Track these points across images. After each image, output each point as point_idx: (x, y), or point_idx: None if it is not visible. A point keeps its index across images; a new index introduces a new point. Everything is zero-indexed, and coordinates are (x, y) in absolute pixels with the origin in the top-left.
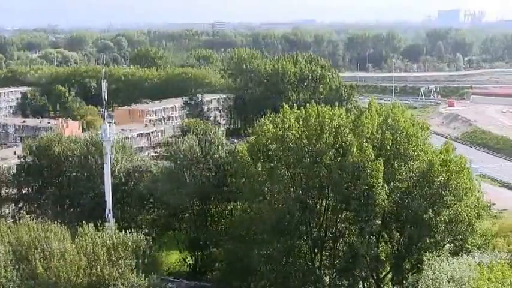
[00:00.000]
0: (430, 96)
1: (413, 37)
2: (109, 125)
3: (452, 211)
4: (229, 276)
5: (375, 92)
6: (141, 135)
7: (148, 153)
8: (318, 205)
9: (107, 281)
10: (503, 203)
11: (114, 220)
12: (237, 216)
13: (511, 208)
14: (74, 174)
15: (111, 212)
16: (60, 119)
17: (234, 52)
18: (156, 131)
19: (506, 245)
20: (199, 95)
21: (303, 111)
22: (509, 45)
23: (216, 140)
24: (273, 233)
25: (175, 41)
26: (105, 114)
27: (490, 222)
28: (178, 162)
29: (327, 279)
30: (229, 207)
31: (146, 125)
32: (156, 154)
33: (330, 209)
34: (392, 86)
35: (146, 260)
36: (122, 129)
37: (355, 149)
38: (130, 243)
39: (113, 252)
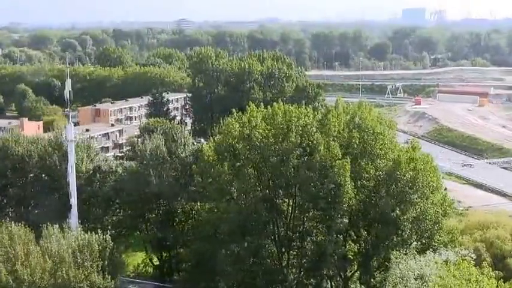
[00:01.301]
0: (396, 94)
1: (380, 35)
2: (73, 125)
3: (418, 209)
4: (196, 277)
5: (342, 91)
6: (105, 134)
7: (114, 153)
8: (285, 204)
9: (72, 284)
10: (469, 200)
11: (80, 221)
12: (203, 216)
13: (477, 205)
14: (37, 175)
15: (76, 213)
16: (19, 119)
17: (200, 51)
18: (120, 130)
19: (472, 242)
20: (164, 94)
21: (270, 110)
22: (474, 44)
23: (182, 139)
24: (239, 232)
25: (139, 40)
26: (70, 114)
27: (456, 220)
28: (144, 162)
29: (294, 278)
30: (195, 207)
31: (113, 125)
32: (121, 154)
33: (297, 208)
34: (359, 85)
35: (112, 262)
36: (87, 129)
37: (322, 148)
38: (96, 245)
39: (78, 254)
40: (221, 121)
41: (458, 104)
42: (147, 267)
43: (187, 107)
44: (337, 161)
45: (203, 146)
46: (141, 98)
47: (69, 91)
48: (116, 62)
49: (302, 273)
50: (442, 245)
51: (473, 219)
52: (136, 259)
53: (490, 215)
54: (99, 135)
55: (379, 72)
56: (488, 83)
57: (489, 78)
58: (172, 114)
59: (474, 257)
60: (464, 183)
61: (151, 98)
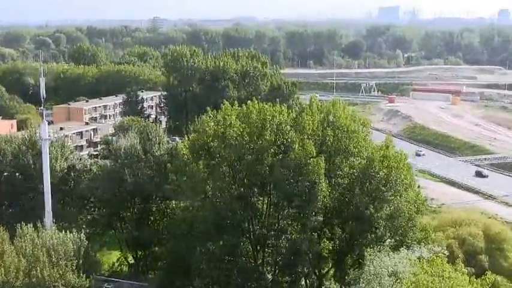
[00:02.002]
0: (370, 92)
1: (354, 34)
2: (47, 124)
3: (392, 206)
4: (171, 275)
5: (317, 89)
6: (79, 133)
7: (89, 152)
8: (260, 202)
9: (47, 283)
10: (442, 197)
11: (54, 220)
12: (178, 215)
13: (450, 203)
14: (11, 174)
15: (51, 212)
16: None
17: (175, 49)
18: (94, 129)
19: (445, 239)
20: (139, 93)
21: (245, 109)
22: (447, 42)
23: (157, 137)
24: (215, 231)
25: (113, 38)
26: (44, 112)
27: (429, 217)
28: (119, 160)
29: (269, 276)
30: (171, 206)
31: (87, 123)
32: (96, 152)
33: (272, 206)
34: (333, 83)
35: (87, 261)
36: (61, 128)
37: (296, 146)
38: (70, 244)
39: (53, 253)
40: (196, 119)
41: (432, 102)
42: (122, 265)
43: (162, 105)
44: (311, 159)
45: (178, 144)
46: (116, 96)
47: (44, 89)
48: (90, 60)
49: (277, 271)
50: (415, 242)
51: (446, 216)
52: (111, 258)
53: (462, 212)
54: (73, 133)
55: (354, 71)
56: (461, 81)
57: (462, 76)
58: (147, 112)
59: (447, 254)
60: (437, 181)
61: (126, 97)
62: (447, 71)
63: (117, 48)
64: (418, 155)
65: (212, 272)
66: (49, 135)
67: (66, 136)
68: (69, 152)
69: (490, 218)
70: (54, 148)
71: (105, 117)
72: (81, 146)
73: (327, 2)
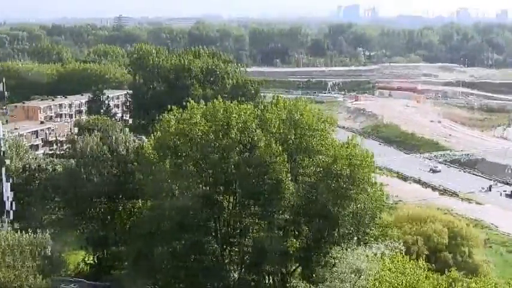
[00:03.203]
0: (335, 90)
1: (317, 32)
2: (1, 123)
3: (358, 204)
4: (135, 275)
5: (281, 87)
6: (35, 132)
7: (44, 151)
8: (225, 201)
9: (2, 285)
10: (401, 194)
11: (16, 221)
12: (144, 214)
13: (409, 199)
14: None
15: (10, 212)
16: None
17: (140, 47)
18: (52, 128)
19: (402, 235)
20: (104, 91)
21: (210, 107)
22: (407, 40)
23: (122, 136)
24: (180, 229)
25: (78, 36)
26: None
27: (387, 214)
28: (83, 160)
29: (235, 275)
30: (136, 205)
31: (42, 122)
32: (52, 152)
33: (237, 205)
34: (297, 81)
35: (50, 261)
36: (15, 128)
37: (262, 145)
38: (27, 244)
39: (9, 254)
40: (161, 118)
41: (396, 100)
42: (87, 265)
43: (127, 104)
44: (276, 158)
45: (143, 143)
46: (82, 95)
47: (3, 88)
48: (55, 58)
49: (243, 269)
50: (373, 239)
51: (403, 212)
52: (76, 258)
53: (419, 209)
54: (28, 132)
55: (318, 69)
56: (423, 79)
57: (423, 74)
58: (112, 111)
59: (404, 250)
60: (394, 177)
61: (91, 95)
62: (408, 69)
63: (82, 46)
64: (434, 171)
65: (177, 271)
66: (3, 135)
67: (21, 135)
68: (23, 151)
69: (449, 214)
70: (10, 147)
71: (60, 116)
72: (37, 145)
73: (289, 1)
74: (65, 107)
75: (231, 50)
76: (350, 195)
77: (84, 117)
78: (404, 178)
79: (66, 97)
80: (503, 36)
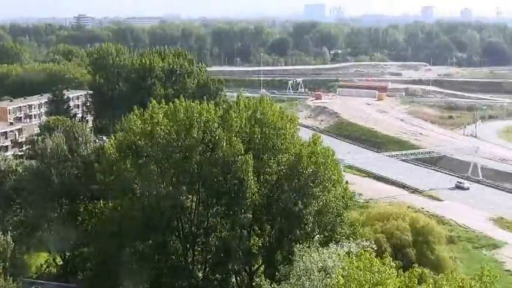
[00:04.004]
0: (297, 89)
1: (280, 31)
2: None
3: (321, 202)
4: (100, 276)
5: (243, 86)
6: (3, 133)
7: (14, 152)
8: (188, 200)
9: None
10: (370, 192)
11: None
12: (106, 215)
13: (377, 197)
14: None
15: None
16: None
17: (100, 47)
18: (19, 129)
19: (373, 233)
20: (64, 92)
21: (172, 107)
22: (372, 39)
23: (84, 137)
24: (144, 230)
25: (37, 36)
26: None
27: (357, 212)
28: (45, 161)
29: (200, 274)
30: (99, 206)
31: (11, 123)
32: (21, 153)
33: (201, 204)
34: (260, 80)
35: (13, 263)
36: None
37: (224, 144)
38: None
39: None
40: (123, 118)
41: (358, 99)
42: (51, 267)
43: (88, 104)
44: (239, 157)
45: (105, 143)
46: (41, 95)
47: None
48: (13, 58)
49: (208, 268)
50: (344, 237)
51: (373, 211)
52: (39, 259)
53: (389, 207)
54: None
55: (280, 68)
56: (387, 77)
57: (387, 73)
58: (73, 111)
59: (375, 248)
60: (364, 176)
61: (51, 96)
62: (373, 67)
63: (41, 46)
64: (460, 187)
65: (142, 271)
66: None
67: None
68: None
69: (416, 211)
70: None
71: (30, 116)
72: (6, 146)
73: (253, 1)
74: (34, 108)
75: (194, 50)
76: (313, 194)
77: (43, 118)
78: (376, 177)
79: (25, 98)
80: (467, 34)
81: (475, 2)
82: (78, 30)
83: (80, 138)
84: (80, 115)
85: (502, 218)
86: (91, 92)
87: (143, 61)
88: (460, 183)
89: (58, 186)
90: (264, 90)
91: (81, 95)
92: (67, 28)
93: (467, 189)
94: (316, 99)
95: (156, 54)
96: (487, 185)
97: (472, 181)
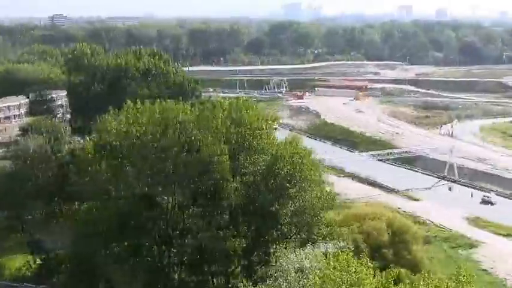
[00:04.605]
0: (276, 89)
1: (257, 31)
2: None
3: (297, 203)
4: (76, 278)
5: (220, 86)
6: None
7: None
8: (165, 201)
9: None
10: (346, 192)
11: None
12: (82, 216)
13: (354, 197)
14: None
15: None
16: None
17: (75, 47)
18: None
19: (350, 233)
20: (42, 92)
21: (147, 107)
22: (349, 39)
23: (61, 138)
24: (119, 231)
25: (11, 36)
26: None
27: (334, 213)
28: (21, 161)
29: (176, 276)
30: (74, 207)
31: None
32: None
33: (177, 205)
34: (237, 80)
35: None
36: None
37: (201, 144)
38: None
39: None
40: (99, 119)
41: (337, 98)
42: (26, 269)
43: (64, 105)
44: (216, 157)
45: (81, 144)
46: (17, 96)
47: None
48: None
49: (184, 270)
50: (321, 238)
51: (350, 211)
52: (14, 262)
53: (367, 207)
54: None
55: (258, 67)
56: (364, 77)
57: (365, 72)
58: (51, 112)
59: (352, 248)
60: (342, 176)
61: (31, 97)
62: (351, 67)
63: (15, 47)
64: (487, 202)
65: (117, 273)
66: None
67: None
68: None
69: (393, 211)
70: None
71: (8, 117)
72: None
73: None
74: (14, 109)
75: (170, 50)
76: (290, 194)
77: (23, 119)
78: (354, 177)
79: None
80: (443, 33)
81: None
82: (53, 30)
83: (58, 139)
84: (60, 115)
85: (478, 218)
86: (67, 92)
87: (119, 61)
88: (487, 197)
89: (34, 187)
90: (241, 90)
91: (57, 96)
92: (42, 28)
93: (495, 204)
94: (295, 99)
95: (131, 54)
96: (463, 184)
97: (448, 180)
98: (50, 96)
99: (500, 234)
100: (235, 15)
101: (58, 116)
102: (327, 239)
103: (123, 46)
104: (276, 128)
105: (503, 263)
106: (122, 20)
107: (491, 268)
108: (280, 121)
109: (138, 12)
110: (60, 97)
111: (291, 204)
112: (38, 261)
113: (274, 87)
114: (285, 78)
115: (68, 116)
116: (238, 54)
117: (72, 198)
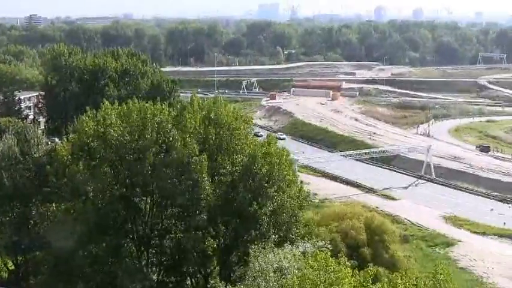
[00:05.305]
0: (252, 89)
1: (234, 31)
2: None
3: (275, 203)
4: (54, 280)
5: (198, 87)
6: None
7: None
8: (143, 202)
9: None
10: (324, 192)
11: None
12: (59, 218)
13: (332, 197)
14: None
15: None
16: None
17: (52, 47)
18: None
19: (328, 233)
20: (16, 93)
21: (125, 108)
22: (326, 39)
23: (36, 139)
24: (97, 232)
25: None
26: None
27: (312, 212)
28: None
29: (154, 277)
30: (51, 209)
31: None
32: None
33: (155, 206)
34: (214, 80)
35: None
36: None
37: (178, 145)
38: None
39: None
40: (76, 119)
41: (313, 98)
42: (2, 272)
43: (40, 105)
44: (194, 158)
45: (57, 145)
46: None
47: None
48: None
49: (162, 271)
50: (299, 237)
51: (328, 211)
52: None
53: (344, 206)
54: None
55: (234, 68)
56: (340, 77)
57: (341, 72)
58: (24, 113)
59: (330, 248)
60: (319, 176)
61: (1, 97)
62: (327, 67)
63: None
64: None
65: (96, 275)
66: None
67: None
68: None
69: (371, 211)
70: None
71: None
72: None
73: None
74: None
75: (148, 50)
76: (268, 194)
77: None
78: (331, 177)
79: None
80: (420, 34)
81: (426, 2)
82: (29, 30)
83: (32, 140)
84: (31, 116)
85: (455, 216)
86: (43, 93)
87: (96, 62)
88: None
89: (9, 189)
90: (217, 91)
91: (33, 96)
92: (18, 28)
93: None
94: (270, 99)
95: (109, 54)
96: (440, 184)
97: (425, 179)
98: (18, 98)
99: (476, 233)
100: (212, 16)
101: (30, 116)
102: (305, 238)
103: (100, 46)
104: (252, 129)
105: (480, 261)
106: (99, 21)
107: (469, 266)
108: (256, 121)
109: (115, 13)
110: (33, 98)
111: (269, 204)
112: (14, 263)
113: (249, 88)
114: (254, 79)
115: (42, 116)
116: (216, 54)
117: (50, 200)
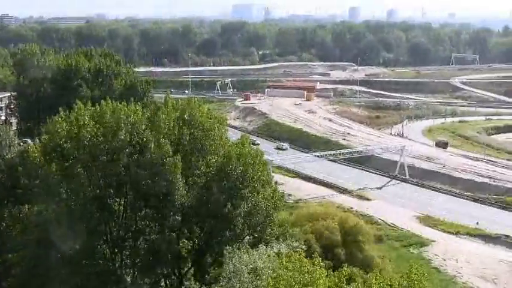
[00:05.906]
0: (226, 90)
1: (209, 31)
2: None
3: (250, 204)
4: (27, 282)
5: (172, 87)
6: None
7: None
8: (116, 204)
9: None
10: (299, 193)
11: None
12: (32, 220)
13: (307, 198)
14: None
15: None
16: None
17: (24, 47)
18: None
19: (303, 233)
20: None
21: (98, 108)
22: (300, 39)
23: (7, 140)
24: (71, 234)
25: None
26: None
27: (287, 213)
28: None
29: (128, 278)
30: (23, 210)
31: None
32: None
33: (129, 207)
34: (188, 81)
35: None
36: None
37: (152, 146)
38: None
39: None
40: (48, 120)
41: (287, 99)
42: None
43: (12, 106)
44: (168, 159)
45: (29, 146)
46: None
47: None
48: None
49: (136, 273)
50: (273, 238)
51: (303, 211)
52: None
53: (319, 207)
54: None
55: (209, 68)
56: (315, 77)
57: (316, 73)
58: None
59: (305, 248)
60: (294, 177)
61: None
62: (301, 67)
63: None
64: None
65: (70, 277)
66: None
67: None
68: None
69: (345, 211)
70: None
71: None
72: None
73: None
74: None
75: (121, 50)
76: (242, 195)
77: None
78: (305, 177)
79: None
80: (394, 35)
81: (400, 3)
82: (1, 30)
83: (3, 142)
84: (3, 117)
85: (428, 216)
86: (15, 93)
87: (69, 62)
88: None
89: None
90: (188, 91)
91: (4, 97)
92: None
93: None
94: (245, 100)
95: (82, 54)
96: (414, 184)
97: (399, 180)
98: None
99: (449, 232)
100: (185, 16)
101: (1, 117)
102: (280, 239)
103: (73, 47)
104: (226, 129)
105: (454, 261)
106: (72, 21)
107: (442, 266)
108: (230, 122)
109: (88, 13)
110: (5, 98)
111: (244, 205)
112: None
113: (223, 89)
114: (228, 80)
115: (14, 117)
116: (190, 54)
117: (22, 202)
